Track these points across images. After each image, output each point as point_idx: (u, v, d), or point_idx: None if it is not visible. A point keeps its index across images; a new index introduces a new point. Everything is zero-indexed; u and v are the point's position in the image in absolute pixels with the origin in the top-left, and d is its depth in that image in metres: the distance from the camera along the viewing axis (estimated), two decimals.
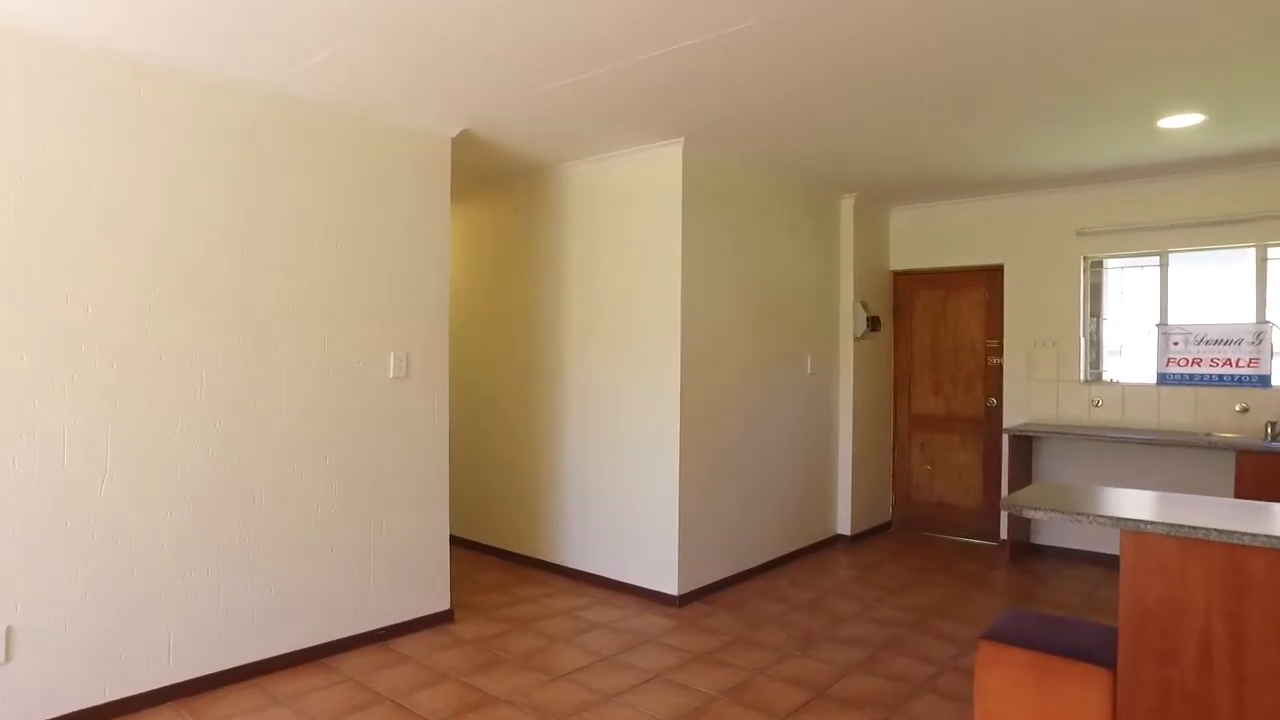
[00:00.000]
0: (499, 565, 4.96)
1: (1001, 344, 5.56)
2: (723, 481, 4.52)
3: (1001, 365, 5.55)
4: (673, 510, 4.20)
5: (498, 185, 5.15)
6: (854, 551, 5.43)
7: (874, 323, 5.69)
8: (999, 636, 2.38)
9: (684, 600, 4.20)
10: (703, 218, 4.35)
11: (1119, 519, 2.10)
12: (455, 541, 5.45)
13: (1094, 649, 2.24)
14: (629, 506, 4.42)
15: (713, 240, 4.44)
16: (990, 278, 5.65)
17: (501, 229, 5.21)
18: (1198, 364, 4.66)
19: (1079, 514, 2.20)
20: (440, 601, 3.85)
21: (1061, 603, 4.29)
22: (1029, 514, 2.32)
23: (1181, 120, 3.66)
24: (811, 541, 5.35)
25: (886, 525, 6.05)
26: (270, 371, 3.21)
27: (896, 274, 6.09)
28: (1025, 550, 5.27)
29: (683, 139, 4.09)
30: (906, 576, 4.83)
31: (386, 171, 3.62)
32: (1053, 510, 2.21)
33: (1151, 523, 2.03)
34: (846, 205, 5.60)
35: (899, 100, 3.47)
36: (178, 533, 2.95)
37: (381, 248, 3.60)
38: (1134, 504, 2.30)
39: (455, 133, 3.86)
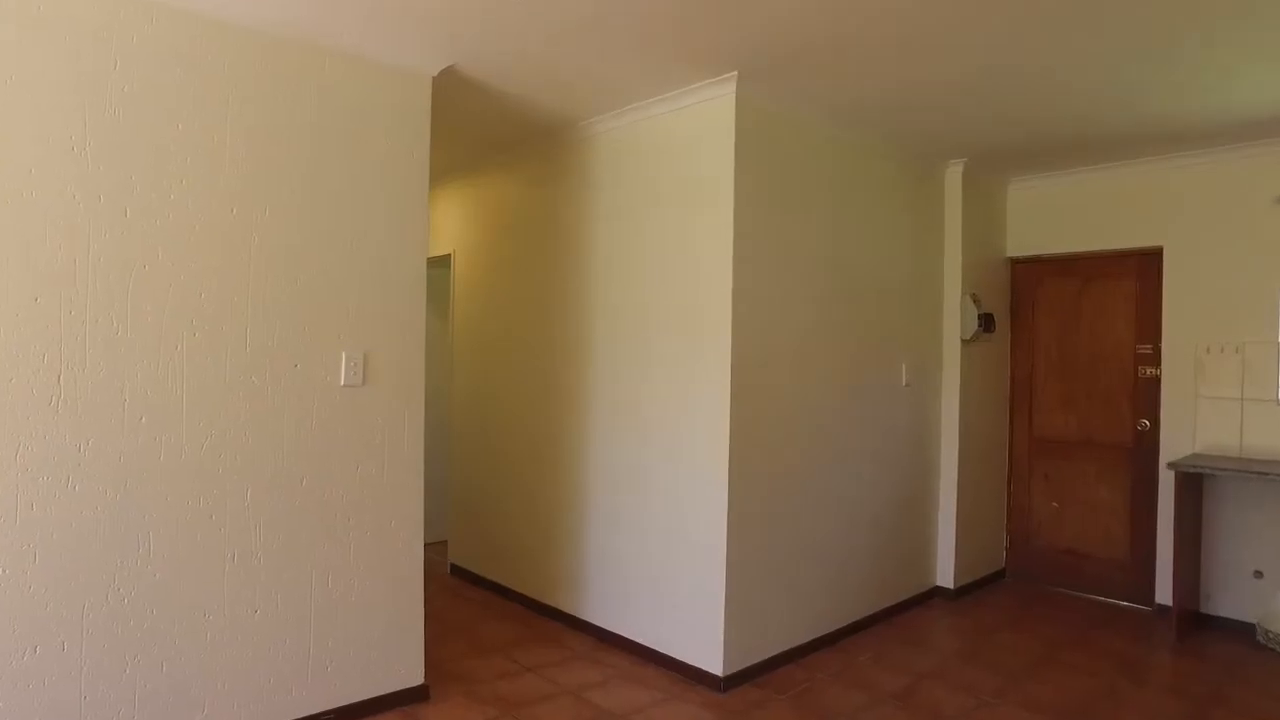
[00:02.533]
0: (511, 614, 4.07)
1: (1158, 349, 4.29)
2: (786, 522, 3.49)
3: (1158, 377, 4.29)
4: (718, 561, 3.21)
5: (508, 152, 4.27)
6: (958, 611, 4.28)
7: (987, 321, 4.52)
8: None
9: (730, 683, 3.19)
10: (763, 186, 3.34)
11: None
12: (465, 577, 4.61)
13: None
14: (663, 554, 3.45)
15: (776, 216, 3.42)
16: (1144, 264, 4.39)
17: (513, 207, 4.33)
18: None
19: None
20: (410, 674, 2.98)
21: (1271, 716, 3.05)
22: None
23: None
24: (903, 598, 4.23)
25: (999, 575, 4.85)
26: (165, 375, 2.41)
27: (1016, 261, 4.89)
28: (1194, 622, 4.00)
29: (735, 75, 3.10)
30: (1032, 652, 3.66)
31: (343, 117, 2.78)
32: None
33: None
34: (953, 174, 4.47)
35: (1040, 16, 2.39)
36: (19, 596, 2.17)
37: (332, 214, 2.76)
38: None
39: (435, 70, 2.99)
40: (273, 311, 2.63)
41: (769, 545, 3.40)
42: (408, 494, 2.97)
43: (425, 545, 5.40)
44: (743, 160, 3.23)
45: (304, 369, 2.71)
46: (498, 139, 4.11)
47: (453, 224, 4.84)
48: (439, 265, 5.11)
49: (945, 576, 4.48)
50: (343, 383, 2.79)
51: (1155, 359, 4.31)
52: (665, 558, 3.43)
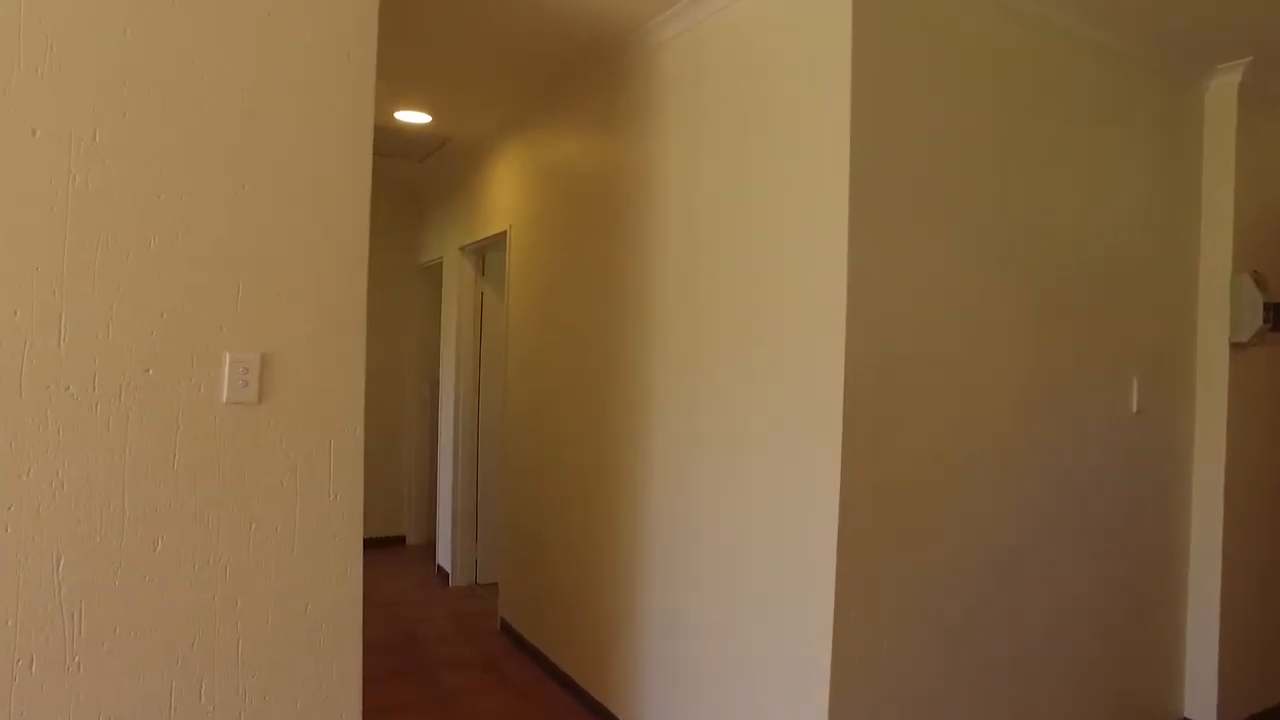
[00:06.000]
0: (553, 707, 3.03)
1: None
2: (931, 628, 2.19)
3: None
4: (819, 685, 1.98)
5: (557, 95, 3.25)
6: None
7: (1275, 315, 2.92)
8: None
9: None
10: (897, 103, 2.08)
11: None
12: (514, 639, 3.63)
13: None
14: (745, 664, 2.27)
15: (919, 152, 2.14)
16: None
17: (569, 166, 3.29)
18: None
19: None
20: None
21: None
22: None
23: None
24: None
25: None
26: None
27: None
28: None
29: None
30: None
31: (235, 9, 1.85)
32: None
33: None
34: (1222, 86, 2.91)
35: None
36: None
37: (212, 142, 1.83)
38: None
39: None
40: (107, 289, 1.73)
41: (901, 657, 2.12)
42: (336, 565, 1.99)
43: (478, 586, 4.50)
44: (863, 60, 1.99)
45: (161, 376, 1.79)
46: (534, 67, 3.10)
47: (508, 196, 3.89)
48: (495, 248, 4.21)
49: (1202, 707, 2.92)
50: (226, 398, 1.85)
51: None
52: (748, 671, 2.25)
